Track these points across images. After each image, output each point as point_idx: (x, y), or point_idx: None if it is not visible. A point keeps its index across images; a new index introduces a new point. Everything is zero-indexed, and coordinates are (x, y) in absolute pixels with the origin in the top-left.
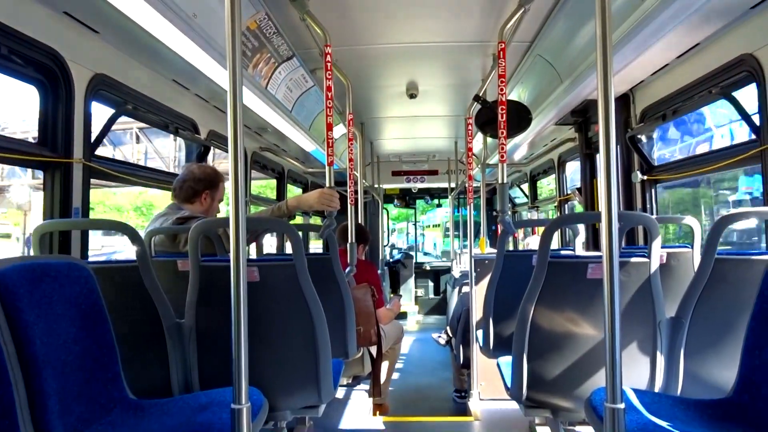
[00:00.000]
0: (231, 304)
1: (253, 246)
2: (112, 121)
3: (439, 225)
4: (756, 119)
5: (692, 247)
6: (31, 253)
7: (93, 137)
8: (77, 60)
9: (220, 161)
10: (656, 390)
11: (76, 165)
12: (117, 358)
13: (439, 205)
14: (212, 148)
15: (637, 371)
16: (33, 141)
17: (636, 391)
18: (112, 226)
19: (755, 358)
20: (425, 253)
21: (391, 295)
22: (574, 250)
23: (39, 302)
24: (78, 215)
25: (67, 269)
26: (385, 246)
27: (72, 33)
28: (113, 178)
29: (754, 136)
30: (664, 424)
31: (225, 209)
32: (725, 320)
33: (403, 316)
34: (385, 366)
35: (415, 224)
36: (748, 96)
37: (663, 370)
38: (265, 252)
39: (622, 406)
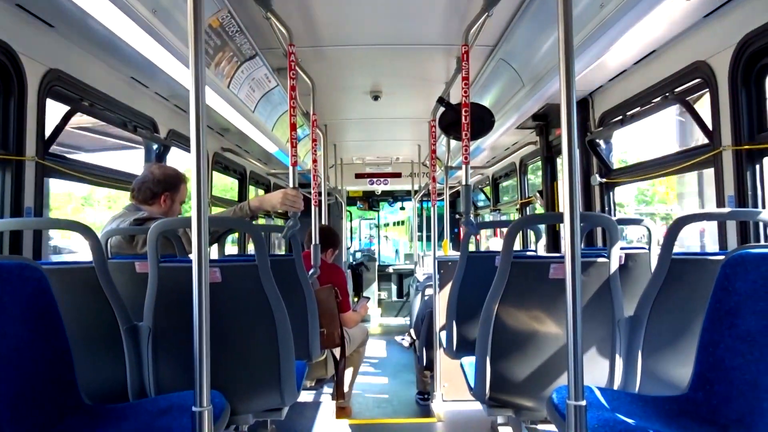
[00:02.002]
0: (191, 305)
1: (214, 247)
2: (67, 118)
3: (403, 222)
4: (709, 124)
5: (650, 248)
6: None
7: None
8: (31, 54)
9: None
10: (615, 387)
11: (28, 163)
12: (72, 362)
13: (402, 208)
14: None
15: (596, 369)
16: None
17: (596, 388)
18: (67, 226)
19: (709, 355)
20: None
21: (356, 299)
22: (536, 251)
23: None
24: (30, 215)
25: (19, 270)
26: (348, 249)
27: (25, 27)
28: (69, 176)
29: (707, 141)
30: (623, 420)
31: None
32: (681, 319)
33: (366, 319)
34: (349, 369)
35: (378, 226)
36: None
37: (622, 368)
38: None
39: (583, 403)
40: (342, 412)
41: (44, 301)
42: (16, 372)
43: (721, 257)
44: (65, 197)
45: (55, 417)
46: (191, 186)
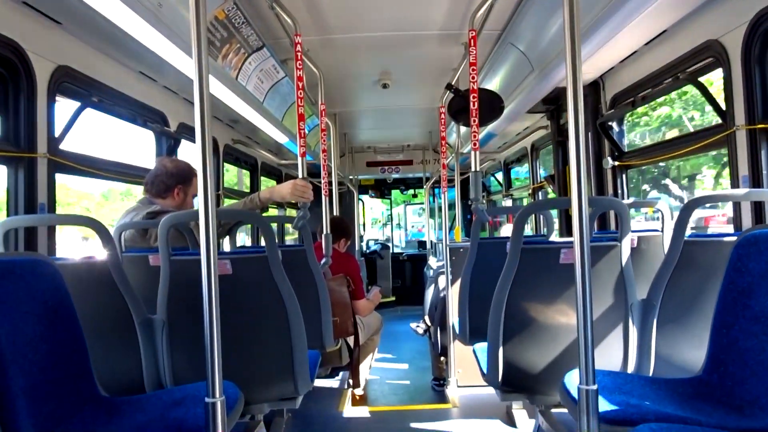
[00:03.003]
0: (203, 297)
1: (226, 239)
2: (77, 114)
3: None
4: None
5: (662, 231)
6: None
7: (58, 131)
8: (39, 52)
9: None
10: (629, 371)
11: (40, 159)
12: (87, 355)
13: (414, 196)
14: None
15: (610, 353)
16: None
17: (608, 372)
18: (80, 222)
19: (723, 337)
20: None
21: (370, 287)
22: (547, 236)
23: (4, 300)
24: (44, 211)
25: (33, 266)
26: (361, 236)
27: (33, 24)
28: (80, 172)
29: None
30: (636, 403)
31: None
32: (694, 301)
33: (381, 306)
34: (364, 357)
35: (390, 215)
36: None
37: (635, 351)
38: (239, 245)
39: (595, 387)
40: (357, 399)
41: (59, 297)
42: (33, 366)
43: (734, 238)
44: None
45: (72, 409)
46: (198, 178)
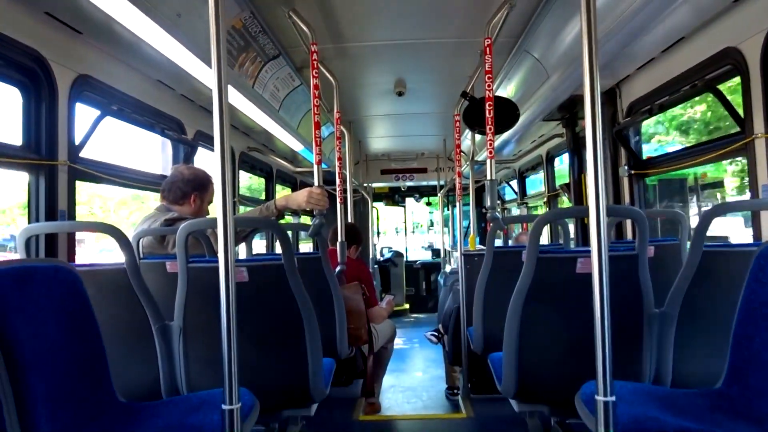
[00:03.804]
0: (220, 304)
1: (243, 246)
2: (97, 122)
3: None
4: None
5: (680, 240)
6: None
7: (78, 139)
8: (60, 61)
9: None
10: (647, 382)
11: (60, 167)
12: (105, 361)
13: (428, 203)
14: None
15: (627, 364)
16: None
17: (626, 383)
18: (99, 229)
19: (744, 348)
20: None
21: (384, 295)
22: (564, 246)
23: (25, 306)
24: (64, 218)
25: (54, 272)
26: (375, 245)
27: (54, 34)
28: (99, 179)
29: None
30: (655, 416)
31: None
32: (714, 312)
33: (394, 314)
34: (377, 365)
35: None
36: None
37: (653, 362)
38: (254, 252)
39: (613, 399)
40: (371, 408)
41: (78, 302)
42: (52, 372)
43: (755, 249)
44: None
45: (90, 415)
46: (216, 186)
